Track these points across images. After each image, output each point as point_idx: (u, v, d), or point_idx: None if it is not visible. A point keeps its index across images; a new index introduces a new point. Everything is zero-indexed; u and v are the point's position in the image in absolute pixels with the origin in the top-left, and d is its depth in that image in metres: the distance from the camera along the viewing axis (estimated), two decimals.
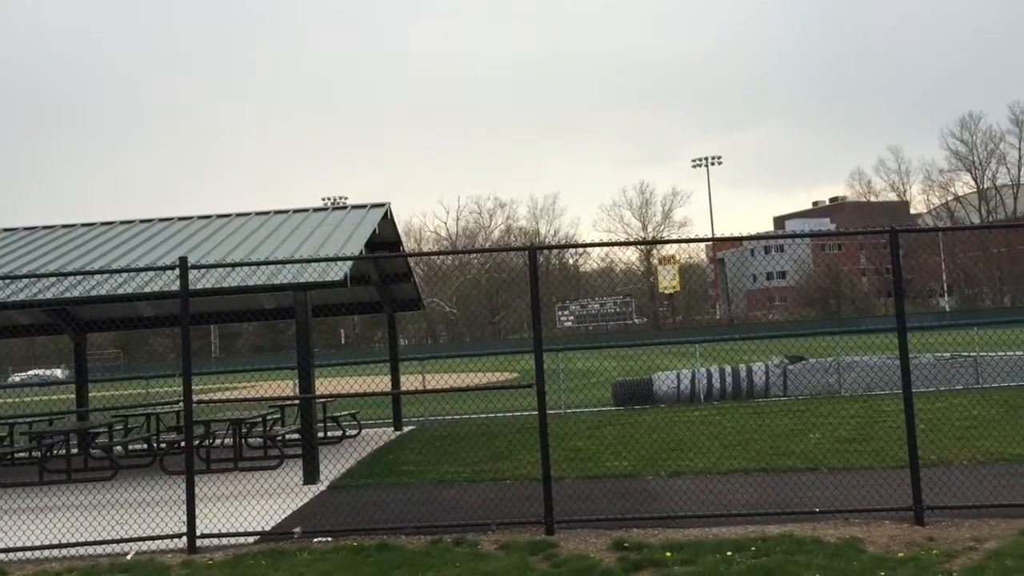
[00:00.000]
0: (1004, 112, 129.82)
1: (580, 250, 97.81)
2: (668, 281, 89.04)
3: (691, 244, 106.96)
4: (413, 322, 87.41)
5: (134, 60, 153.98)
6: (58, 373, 71.78)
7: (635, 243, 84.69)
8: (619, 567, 6.97)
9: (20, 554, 8.23)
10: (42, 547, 8.30)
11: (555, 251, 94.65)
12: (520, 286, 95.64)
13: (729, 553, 7.10)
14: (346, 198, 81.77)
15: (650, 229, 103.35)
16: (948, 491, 8.33)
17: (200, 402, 8.82)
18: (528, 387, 8.35)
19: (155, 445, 14.99)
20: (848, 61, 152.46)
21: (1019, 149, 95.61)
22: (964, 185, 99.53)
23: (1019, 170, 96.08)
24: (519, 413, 17.90)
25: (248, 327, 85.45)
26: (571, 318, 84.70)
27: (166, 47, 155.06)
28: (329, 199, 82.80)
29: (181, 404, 15.64)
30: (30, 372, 72.92)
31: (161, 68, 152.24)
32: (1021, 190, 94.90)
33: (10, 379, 69.14)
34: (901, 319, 8.16)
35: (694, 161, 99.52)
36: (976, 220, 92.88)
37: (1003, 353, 20.81)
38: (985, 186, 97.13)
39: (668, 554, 7.18)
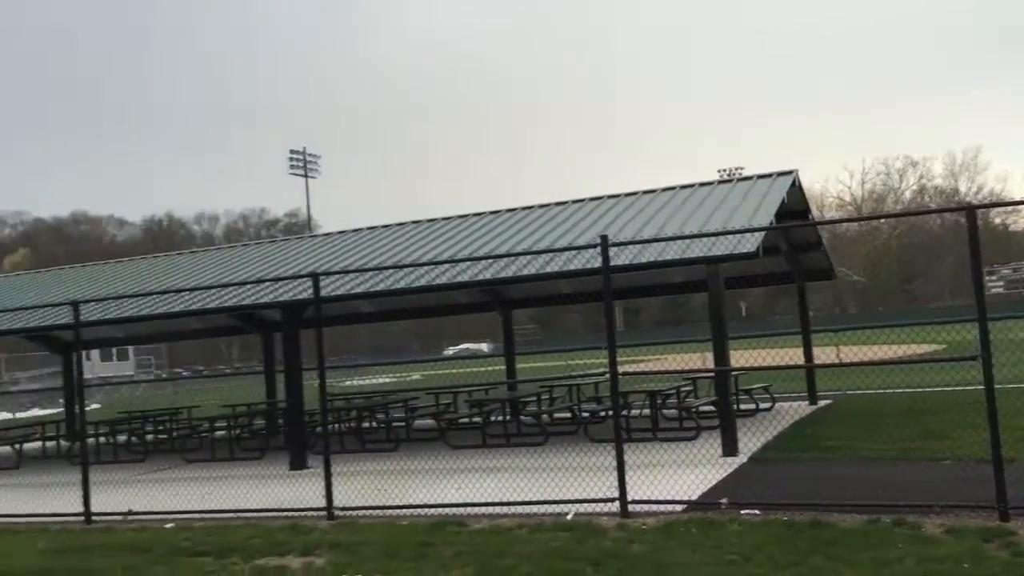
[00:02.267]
0: None
1: (1009, 209, 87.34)
2: None
3: None
4: (818, 292, 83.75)
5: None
6: (484, 347, 79.28)
7: None
8: None
9: (475, 509, 9.22)
10: (493, 504, 9.22)
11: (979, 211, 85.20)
12: (939, 250, 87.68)
13: None
14: (742, 169, 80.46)
15: None
16: None
17: (624, 374, 9.20)
18: (972, 359, 7.63)
19: (578, 414, 15.95)
20: None
21: None
22: None
23: None
24: (948, 388, 16.43)
25: (650, 301, 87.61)
26: (1000, 283, 75.99)
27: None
28: (725, 171, 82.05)
29: (600, 375, 16.51)
30: (461, 346, 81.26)
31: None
32: None
33: (444, 352, 77.70)
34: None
35: None
36: None
37: None
38: None
39: None
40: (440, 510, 9.39)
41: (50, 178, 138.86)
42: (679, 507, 8.64)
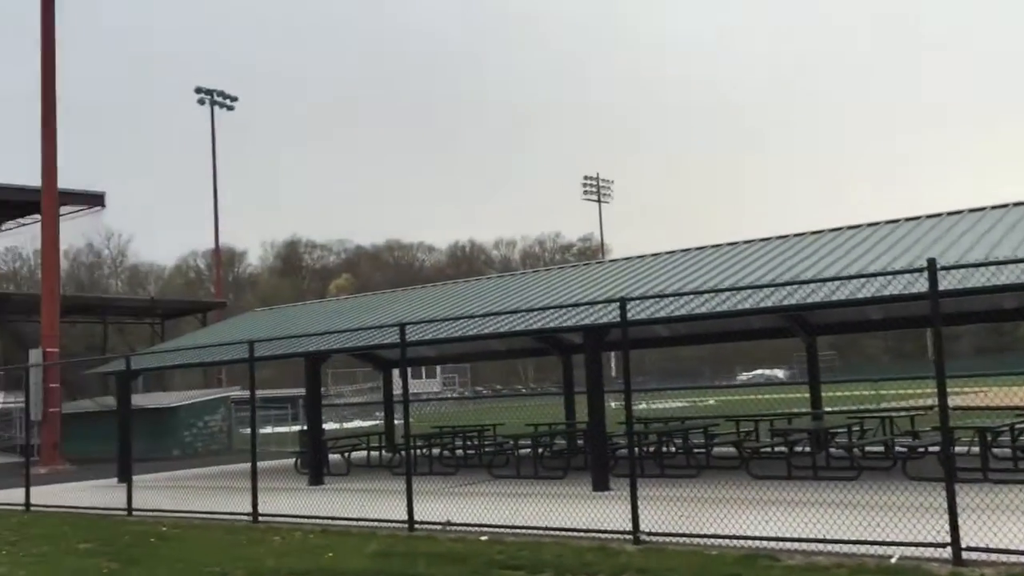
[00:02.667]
0: None
1: None
2: None
3: None
4: None
5: None
6: (779, 373, 76.42)
7: None
8: None
9: (788, 544, 8.88)
10: (808, 540, 8.83)
11: None
12: None
13: None
14: None
15: None
16: None
17: (956, 408, 8.49)
18: None
19: (893, 448, 14.92)
20: None
21: None
22: None
23: None
24: None
25: (968, 328, 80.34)
26: None
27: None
28: None
29: (921, 409, 15.34)
30: (755, 371, 78.93)
31: None
32: None
33: (737, 377, 75.82)
34: None
35: None
36: None
37: None
38: None
39: None
40: (749, 542, 9.13)
41: (370, 209, 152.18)
42: (1022, 558, 7.80)
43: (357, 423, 42.22)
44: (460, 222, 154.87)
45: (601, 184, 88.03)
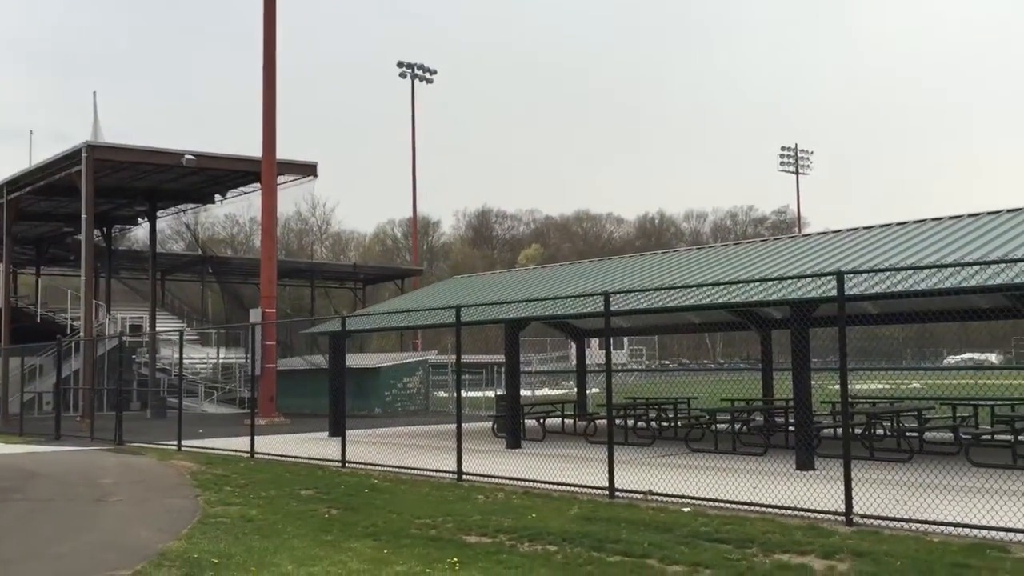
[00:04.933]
0: None
1: None
2: None
3: None
4: None
5: None
6: (992, 358, 71.29)
7: None
8: None
9: (1019, 536, 8.35)
10: None
11: None
12: None
13: None
14: None
15: None
16: None
17: None
18: None
19: None
20: None
21: None
22: None
23: None
24: None
25: None
26: None
27: None
28: None
29: None
30: (964, 355, 74.03)
31: None
32: None
33: (944, 361, 71.33)
34: None
35: None
36: None
37: None
38: None
39: None
40: (976, 532, 8.64)
41: (560, 180, 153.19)
42: None
43: (546, 391, 42.92)
44: (649, 194, 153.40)
45: (800, 154, 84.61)
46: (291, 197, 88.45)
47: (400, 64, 60.06)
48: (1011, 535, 8.39)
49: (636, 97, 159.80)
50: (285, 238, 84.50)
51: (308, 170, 34.17)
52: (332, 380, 22.38)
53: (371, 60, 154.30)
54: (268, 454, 18.16)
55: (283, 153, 31.42)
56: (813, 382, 14.80)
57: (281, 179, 32.47)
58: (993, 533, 8.52)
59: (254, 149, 31.28)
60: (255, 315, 30.24)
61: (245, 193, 36.44)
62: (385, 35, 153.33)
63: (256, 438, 18.79)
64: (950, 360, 71.77)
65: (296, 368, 35.98)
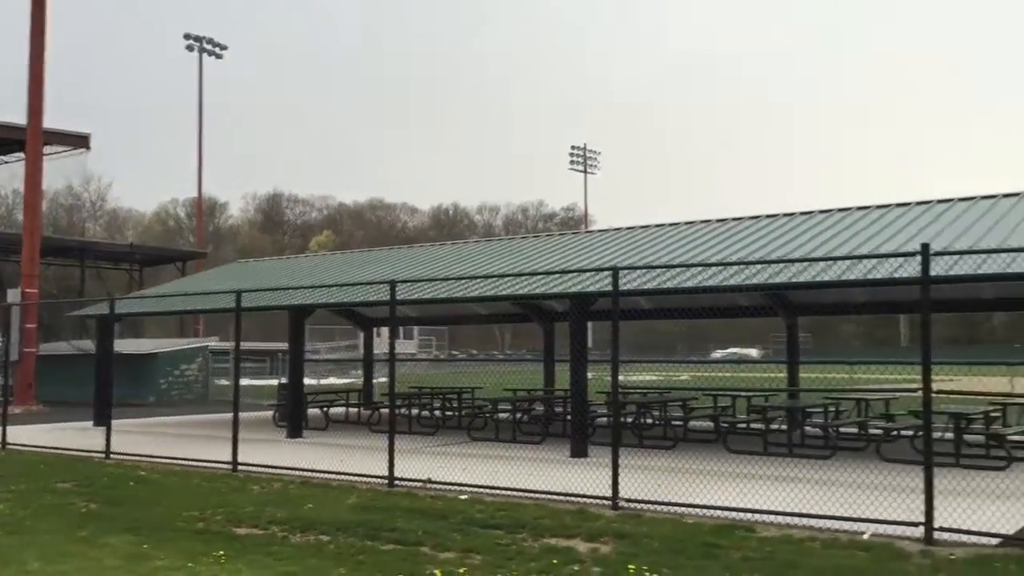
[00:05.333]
0: None
1: None
2: None
3: None
4: None
5: None
6: (753, 352, 77.05)
7: None
8: None
9: (764, 516, 9.04)
10: (784, 513, 9.00)
11: None
12: None
13: None
14: None
15: None
16: None
17: (940, 392, 8.64)
18: None
19: (866, 430, 15.15)
20: None
21: None
22: None
23: None
24: None
25: (940, 317, 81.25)
26: None
27: None
28: None
29: (897, 392, 15.58)
30: (730, 350, 79.52)
31: None
32: None
33: (711, 355, 76.37)
34: None
35: None
36: None
37: None
38: None
39: None
40: (726, 513, 9.29)
41: (354, 167, 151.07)
42: (993, 540, 8.00)
43: (332, 380, 42.23)
44: (444, 186, 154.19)
45: (588, 154, 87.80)
46: (60, 170, 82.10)
47: (187, 36, 57.22)
48: (757, 516, 9.06)
49: (433, 88, 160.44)
50: (53, 213, 78.45)
51: (80, 141, 31.93)
52: (99, 366, 21.00)
53: (162, 33, 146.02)
54: (22, 445, 16.82)
55: (56, 125, 29.16)
56: (593, 373, 15.42)
57: (48, 149, 30.12)
58: (742, 514, 9.18)
59: (22, 118, 28.82)
60: (13, 295, 27.91)
61: (5, 163, 33.51)
62: (174, 7, 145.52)
63: (8, 428, 17.35)
64: (717, 354, 76.97)
65: (62, 353, 33.49)
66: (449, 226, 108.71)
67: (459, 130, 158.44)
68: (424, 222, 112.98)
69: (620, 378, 10.58)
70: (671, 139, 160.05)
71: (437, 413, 19.84)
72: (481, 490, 11.06)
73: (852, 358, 32.12)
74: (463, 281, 16.42)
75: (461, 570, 7.39)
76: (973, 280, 10.75)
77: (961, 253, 9.77)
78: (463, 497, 10.78)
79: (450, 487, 11.34)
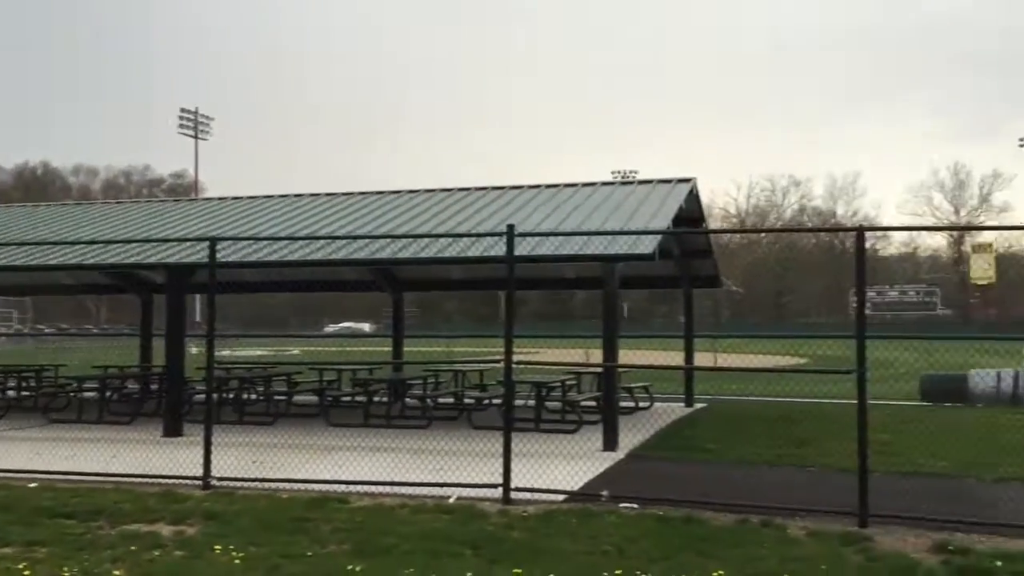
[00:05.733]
0: None
1: (879, 233, 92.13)
2: (983, 271, 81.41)
3: (1011, 232, 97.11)
4: (697, 299, 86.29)
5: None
6: (366, 327, 78.59)
7: (963, 228, 78.42)
8: (943, 570, 6.58)
9: (357, 487, 9.18)
10: (377, 483, 9.21)
11: (850, 233, 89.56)
12: (811, 268, 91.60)
13: None
14: (636, 172, 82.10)
15: (963, 214, 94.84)
16: None
17: (519, 363, 9.31)
18: (848, 372, 8.06)
19: (462, 400, 16.03)
20: None
21: None
22: None
23: None
24: (815, 400, 17.30)
25: (533, 294, 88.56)
26: (867, 305, 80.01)
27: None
28: (619, 172, 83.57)
29: (488, 363, 16.60)
30: (343, 324, 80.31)
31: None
32: None
33: (325, 329, 76.70)
34: None
35: (1021, 140, 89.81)
36: None
37: None
38: None
39: (998, 563, 6.68)
40: (321, 486, 9.31)
41: None
42: (560, 497, 8.82)
43: None
44: (30, 142, 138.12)
45: (200, 119, 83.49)
46: None
47: None
48: (352, 487, 9.19)
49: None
50: None
51: None
52: None
53: None
54: None
55: None
56: (197, 349, 14.65)
57: None
58: (337, 486, 9.25)
59: None
60: None
61: None
62: None
63: None
64: (330, 328, 77.42)
65: None
66: (39, 188, 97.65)
67: (53, 78, 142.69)
68: (5, 181, 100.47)
69: (228, 353, 10.15)
70: (296, 110, 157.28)
71: (11, 393, 17.75)
72: (53, 476, 10.05)
73: (455, 332, 33.85)
74: (44, 247, 14.80)
75: (21, 566, 6.64)
76: (554, 260, 11.77)
77: (543, 235, 10.66)
78: (32, 485, 9.71)
79: (16, 475, 10.16)
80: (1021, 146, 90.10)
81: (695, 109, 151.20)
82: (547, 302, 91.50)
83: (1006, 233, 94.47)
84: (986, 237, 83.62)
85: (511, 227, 8.88)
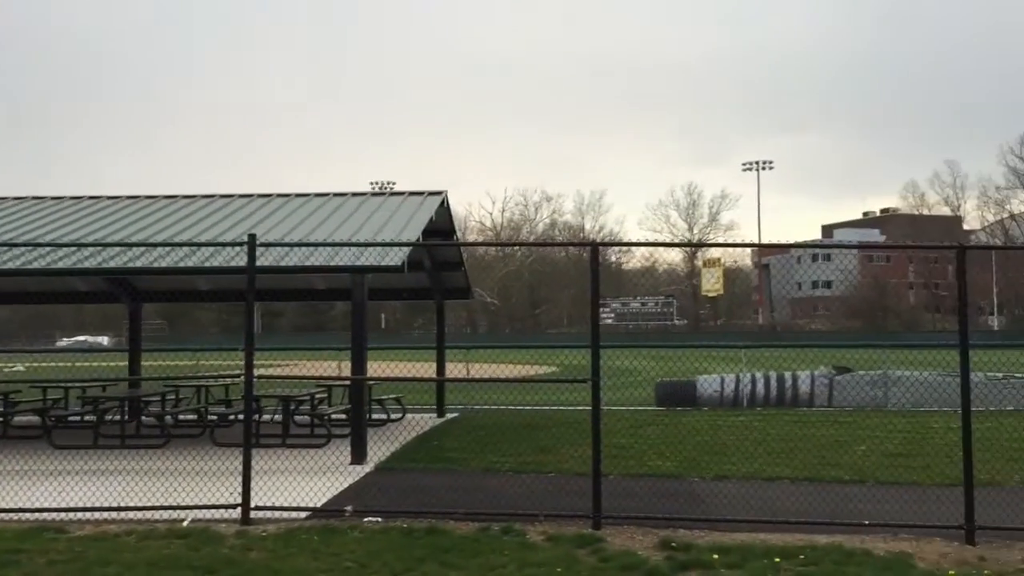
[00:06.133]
0: None
1: (624, 248, 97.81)
2: (712, 284, 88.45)
3: (736, 248, 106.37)
4: (453, 310, 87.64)
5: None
6: (103, 340, 73.26)
7: (687, 245, 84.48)
8: (667, 566, 7.02)
9: (80, 514, 8.49)
10: (100, 508, 8.56)
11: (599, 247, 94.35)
12: (562, 280, 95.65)
13: (777, 559, 7.11)
14: (394, 183, 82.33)
15: (696, 231, 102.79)
16: (999, 512, 8.24)
17: (261, 377, 9.00)
18: (583, 381, 8.42)
19: (205, 416, 15.28)
20: (912, 71, 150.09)
21: None
22: (1021, 203, 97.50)
23: None
24: (558, 408, 17.99)
25: (290, 306, 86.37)
26: (611, 316, 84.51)
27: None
28: (376, 183, 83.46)
29: (233, 378, 15.95)
30: (77, 338, 74.43)
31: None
32: None
33: (58, 343, 70.68)
34: (964, 338, 8.08)
35: (744, 164, 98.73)
36: None
37: None
38: None
39: (715, 556, 7.21)
40: (37, 515, 8.51)
41: None
42: (303, 514, 8.59)
43: None
44: None
45: None
46: None
47: None
48: (71, 515, 8.48)
49: None
50: None
51: None
52: None
53: None
54: None
55: None
56: None
57: None
58: (55, 514, 8.50)
59: None
60: None
61: None
62: None
63: None
64: (63, 342, 71.44)
65: None
66: None
67: None
68: None
69: None
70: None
71: None
72: None
73: (202, 345, 32.32)
74: None
75: None
76: (299, 271, 11.48)
77: (287, 245, 10.38)
78: None
79: None
80: (745, 170, 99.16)
81: (451, 122, 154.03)
82: (302, 314, 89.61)
83: (732, 249, 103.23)
84: (715, 253, 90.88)
85: (252, 237, 8.57)
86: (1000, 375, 20.42)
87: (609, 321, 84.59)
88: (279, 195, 15.89)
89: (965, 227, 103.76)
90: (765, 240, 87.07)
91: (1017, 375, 20.44)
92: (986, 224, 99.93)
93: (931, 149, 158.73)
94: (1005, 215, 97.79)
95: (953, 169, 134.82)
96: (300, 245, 10.62)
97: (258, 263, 10.83)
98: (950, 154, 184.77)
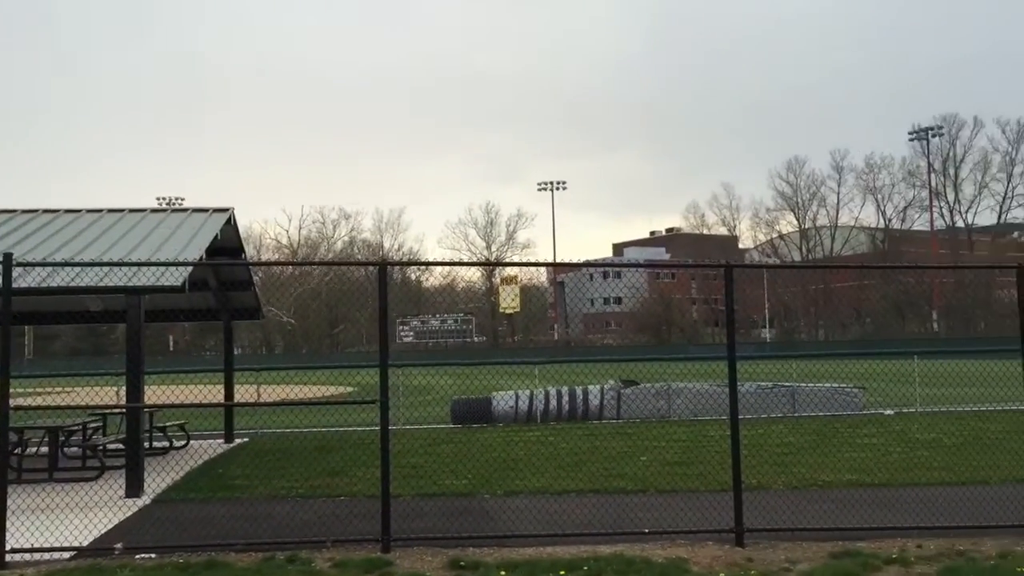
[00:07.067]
0: (826, 159, 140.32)
1: (424, 268, 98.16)
2: (509, 301, 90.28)
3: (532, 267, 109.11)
4: (248, 331, 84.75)
5: None
6: None
7: (483, 264, 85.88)
8: None
9: None
10: None
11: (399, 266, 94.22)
12: (361, 299, 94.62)
13: (563, 572, 7.25)
14: (183, 199, 78.81)
15: (494, 249, 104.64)
16: (766, 514, 8.81)
17: (17, 408, 8.26)
18: (372, 402, 8.29)
19: None
20: (699, 100, 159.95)
21: (837, 193, 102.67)
22: (788, 224, 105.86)
23: (836, 212, 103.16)
24: (354, 428, 17.71)
25: (64, 329, 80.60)
26: (411, 334, 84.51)
27: None
28: (164, 199, 79.54)
29: None
30: None
31: None
32: (838, 231, 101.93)
33: None
34: (732, 350, 8.59)
35: (540, 184, 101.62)
36: (797, 258, 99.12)
37: (816, 384, 22.24)
38: (806, 226, 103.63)
39: (503, 573, 7.26)
40: None
41: None
42: (67, 555, 7.94)
43: None
44: None
45: None
46: None
47: None
48: None
49: None
50: None
51: None
52: None
53: None
54: None
55: None
56: None
57: None
58: None
59: None
60: None
61: None
62: None
63: None
64: None
65: None
66: None
67: None
68: None
69: None
70: None
71: None
72: None
73: None
74: None
75: None
76: (65, 292, 10.65)
77: (52, 264, 9.61)
78: None
79: None
80: (540, 190, 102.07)
81: (247, 141, 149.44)
82: (79, 337, 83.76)
83: (528, 268, 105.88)
84: (511, 271, 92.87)
85: (8, 255, 7.87)
86: (770, 384, 21.94)
87: (409, 339, 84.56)
88: (46, 211, 14.72)
89: (741, 246, 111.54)
90: (560, 258, 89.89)
91: (785, 384, 22.03)
92: (758, 243, 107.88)
93: (711, 172, 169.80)
94: (775, 235, 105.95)
95: (729, 192, 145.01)
96: (66, 265, 9.84)
97: (21, 284, 10.08)
98: (727, 177, 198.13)
